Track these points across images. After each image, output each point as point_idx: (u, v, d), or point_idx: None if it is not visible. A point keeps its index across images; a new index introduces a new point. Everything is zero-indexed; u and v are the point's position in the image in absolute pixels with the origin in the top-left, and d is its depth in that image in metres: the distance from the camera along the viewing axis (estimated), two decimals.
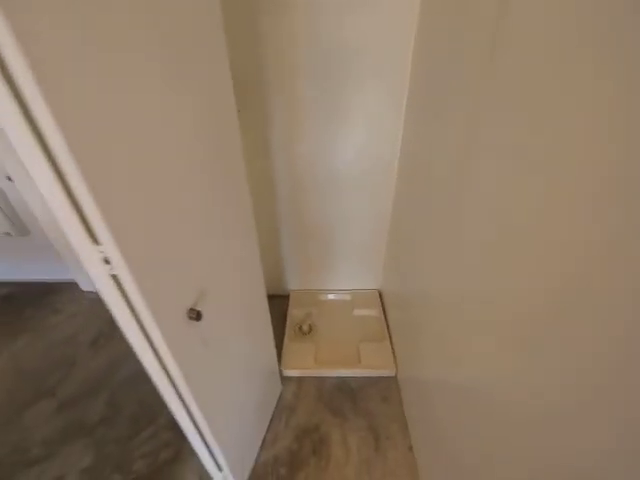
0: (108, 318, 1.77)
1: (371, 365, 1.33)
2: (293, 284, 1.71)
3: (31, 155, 0.34)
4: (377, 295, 1.67)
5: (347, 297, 1.66)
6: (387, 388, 1.29)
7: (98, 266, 0.43)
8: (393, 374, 1.32)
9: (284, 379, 1.33)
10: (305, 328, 1.50)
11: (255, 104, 1.17)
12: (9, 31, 0.28)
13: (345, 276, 1.66)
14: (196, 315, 0.58)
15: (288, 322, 1.53)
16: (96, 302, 1.79)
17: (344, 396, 1.28)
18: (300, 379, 1.34)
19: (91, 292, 1.84)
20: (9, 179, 1.44)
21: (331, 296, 1.68)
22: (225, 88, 0.67)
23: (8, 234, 1.68)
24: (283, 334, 1.46)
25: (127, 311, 0.49)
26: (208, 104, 0.61)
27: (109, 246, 0.41)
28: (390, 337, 1.44)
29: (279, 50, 1.07)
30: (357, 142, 1.24)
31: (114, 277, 0.45)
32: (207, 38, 0.59)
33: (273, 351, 1.21)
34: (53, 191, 0.36)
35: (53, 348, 1.52)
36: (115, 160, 0.40)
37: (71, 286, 1.85)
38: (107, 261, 0.43)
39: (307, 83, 1.13)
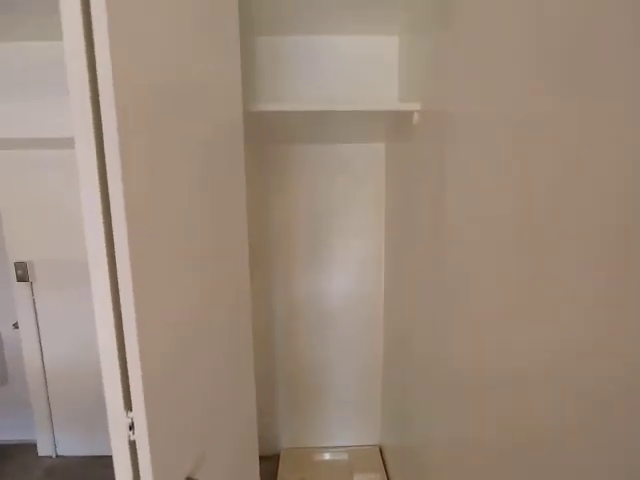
0: None
1: None
2: (285, 441, 1.54)
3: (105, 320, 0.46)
4: (378, 453, 1.50)
5: (345, 456, 1.48)
6: None
7: (122, 431, 0.48)
8: None
9: None
10: None
11: (260, 262, 1.41)
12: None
13: (341, 430, 1.54)
14: None
15: None
16: (51, 471, 1.53)
17: None
18: None
19: (49, 457, 1.59)
20: (15, 326, 1.50)
21: (327, 455, 1.49)
22: (244, 254, 0.87)
23: None
24: None
25: (131, 478, 0.49)
26: (234, 272, 0.79)
27: (138, 413, 0.47)
28: None
29: (280, 217, 1.39)
30: (345, 288, 1.44)
31: (132, 443, 0.49)
32: (237, 225, 0.83)
33: None
34: (111, 367, 0.46)
35: None
36: (160, 341, 0.52)
37: (28, 450, 1.61)
38: (131, 427, 0.48)
39: (302, 240, 1.41)
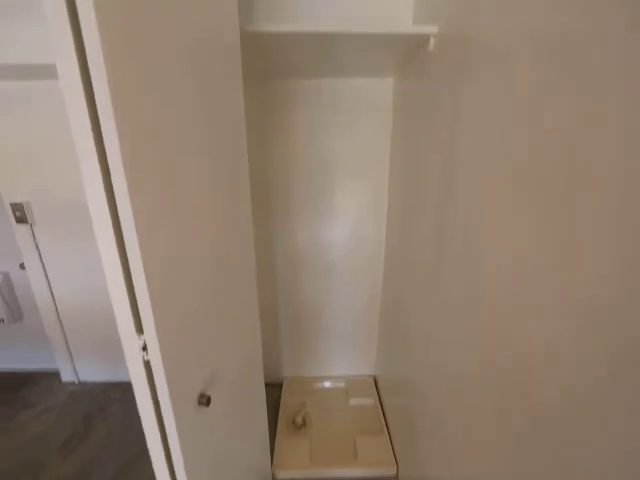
0: (85, 414, 1.65)
1: (369, 462, 1.24)
2: (287, 371, 1.69)
3: (111, 259, 0.46)
4: (372, 382, 1.65)
5: (342, 384, 1.63)
6: None
7: (136, 352, 0.51)
8: (393, 473, 1.23)
9: None
10: (299, 421, 1.43)
11: (261, 204, 1.39)
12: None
13: (340, 362, 1.67)
14: (206, 401, 0.62)
15: (281, 414, 1.47)
16: (75, 394, 1.69)
17: None
18: None
19: (72, 383, 1.75)
20: (22, 267, 1.53)
21: (326, 384, 1.64)
22: (246, 198, 0.85)
23: (1, 321, 1.68)
24: (275, 428, 1.39)
25: (149, 395, 0.54)
26: (234, 211, 0.78)
27: (150, 335, 0.50)
28: (388, 429, 1.38)
29: (281, 158, 1.34)
30: (347, 229, 1.44)
31: (146, 363, 0.52)
32: (237, 159, 0.79)
33: (267, 449, 1.15)
34: (119, 292, 0.47)
35: (19, 450, 1.37)
36: (166, 266, 0.52)
37: (52, 377, 1.76)
38: (144, 348, 0.51)
39: (303, 185, 1.38)
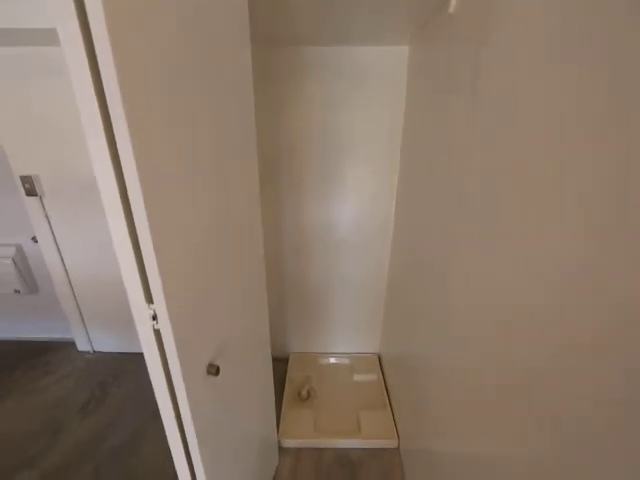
0: (101, 381, 1.72)
1: (372, 435, 1.29)
2: (294, 346, 1.72)
3: (120, 233, 0.46)
4: (376, 359, 1.68)
5: (347, 361, 1.67)
6: (389, 462, 1.24)
7: (146, 321, 0.51)
8: (395, 445, 1.27)
9: (281, 450, 1.27)
10: (304, 394, 1.47)
11: (269, 183, 1.36)
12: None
13: (345, 340, 1.70)
14: (215, 370, 0.63)
15: (287, 386, 1.51)
16: (91, 363, 1.76)
17: (344, 472, 1.21)
18: (298, 450, 1.28)
19: (88, 352, 1.82)
20: (34, 240, 1.56)
21: (331, 360, 1.68)
22: (253, 171, 0.84)
23: (17, 292, 1.73)
24: (281, 400, 1.43)
25: (159, 363, 0.55)
26: (241, 185, 0.76)
27: (159, 305, 0.50)
28: (390, 404, 1.42)
29: (288, 133, 1.31)
30: (355, 209, 1.42)
31: (156, 332, 0.53)
32: (247, 142, 0.77)
33: (273, 418, 1.19)
34: (128, 264, 0.47)
35: (40, 412, 1.45)
36: (174, 238, 0.52)
37: (68, 346, 1.84)
38: (154, 317, 0.51)
39: (313, 164, 1.35)
